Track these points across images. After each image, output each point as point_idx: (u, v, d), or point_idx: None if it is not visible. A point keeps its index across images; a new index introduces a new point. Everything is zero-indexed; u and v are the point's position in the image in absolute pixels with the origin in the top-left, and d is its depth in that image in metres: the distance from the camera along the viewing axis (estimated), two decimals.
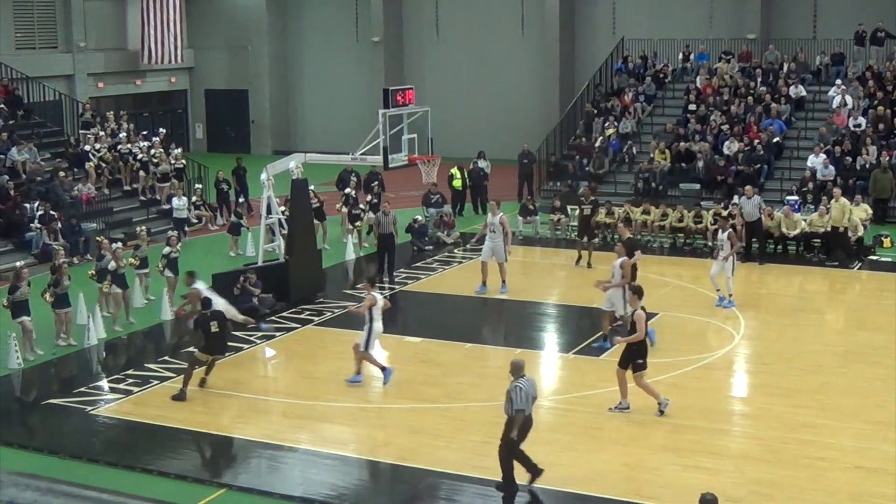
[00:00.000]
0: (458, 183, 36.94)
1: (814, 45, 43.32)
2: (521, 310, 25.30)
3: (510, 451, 14.80)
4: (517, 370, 14.97)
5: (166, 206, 34.66)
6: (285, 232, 26.80)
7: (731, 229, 25.46)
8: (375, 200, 32.41)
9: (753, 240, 29.68)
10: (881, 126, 37.64)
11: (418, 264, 29.31)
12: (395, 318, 23.35)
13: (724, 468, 15.81)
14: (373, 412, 18.44)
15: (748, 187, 30.46)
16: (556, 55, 47.71)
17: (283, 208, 27.74)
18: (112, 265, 23.51)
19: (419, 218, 32.06)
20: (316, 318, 24.03)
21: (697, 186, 36.31)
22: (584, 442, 16.94)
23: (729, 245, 24.87)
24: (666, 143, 38.73)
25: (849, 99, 38.96)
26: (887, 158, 35.85)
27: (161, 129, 40.41)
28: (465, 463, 15.70)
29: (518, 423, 14.69)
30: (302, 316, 24.27)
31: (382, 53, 50.48)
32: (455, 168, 36.92)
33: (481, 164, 38.04)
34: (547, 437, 17.12)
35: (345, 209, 31.95)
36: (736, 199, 31.55)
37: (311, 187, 31.44)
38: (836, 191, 31.35)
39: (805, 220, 30.33)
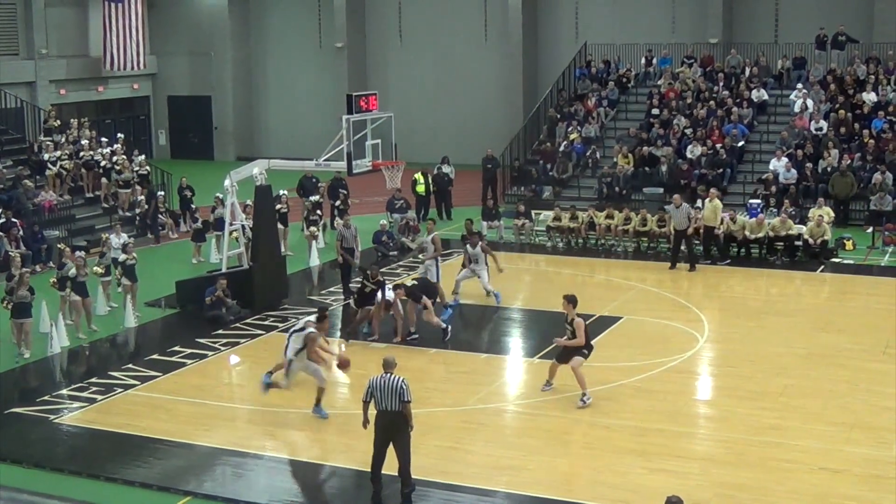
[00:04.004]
0: (421, 188, 36.91)
1: (775, 50, 43.62)
2: (486, 314, 25.29)
3: (374, 446, 14.97)
4: (388, 366, 15.03)
5: (128, 214, 34.47)
6: (248, 239, 26.70)
7: (481, 242, 26.03)
8: (342, 206, 32.35)
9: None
10: (842, 129, 37.92)
11: (382, 270, 29.23)
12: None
13: (690, 471, 15.85)
14: (338, 418, 18.36)
15: (676, 196, 30.51)
16: (519, 60, 47.81)
17: (244, 216, 27.58)
18: (73, 273, 23.31)
19: (384, 223, 32.06)
20: (280, 325, 23.92)
21: (661, 190, 36.41)
22: (550, 446, 16.93)
23: (484, 257, 25.40)
24: (629, 147, 38.87)
25: (810, 102, 39.23)
26: (848, 161, 36.11)
27: (119, 135, 40.10)
28: (431, 468, 15.66)
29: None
30: (266, 322, 24.17)
31: (346, 59, 50.41)
32: (419, 173, 36.90)
33: (445, 169, 38.03)
34: (513, 441, 17.14)
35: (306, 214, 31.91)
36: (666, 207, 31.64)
37: (284, 192, 31.40)
38: (713, 191, 31.63)
39: (768, 224, 30.52)
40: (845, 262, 30.17)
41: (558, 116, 42.31)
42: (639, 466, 15.99)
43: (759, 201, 33.57)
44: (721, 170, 37.06)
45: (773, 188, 35.16)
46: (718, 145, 38.04)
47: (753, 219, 31.02)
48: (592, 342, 18.93)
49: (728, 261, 30.02)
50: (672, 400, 19.06)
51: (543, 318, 24.59)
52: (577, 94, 43.88)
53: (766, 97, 40.91)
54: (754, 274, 29.01)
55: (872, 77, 40.30)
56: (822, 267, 29.44)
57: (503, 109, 47.87)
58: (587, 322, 18.97)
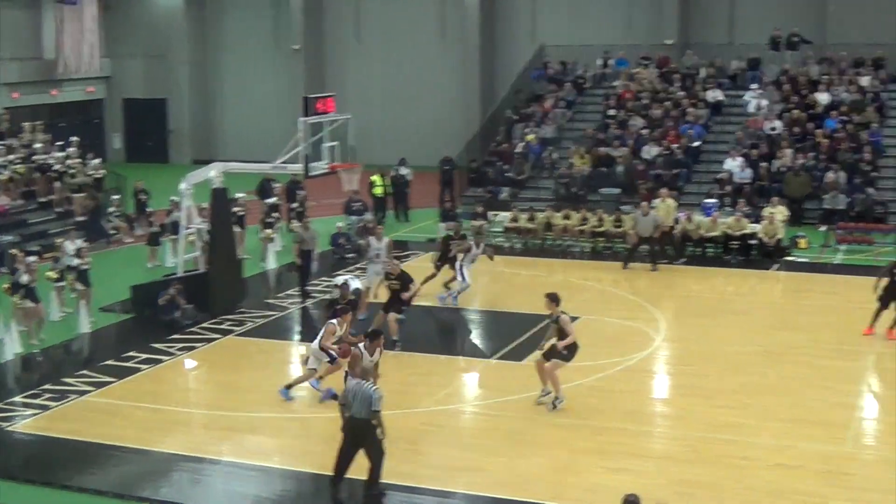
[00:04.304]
0: (378, 190, 36.86)
1: (730, 51, 43.87)
2: (444, 315, 25.28)
3: (340, 450, 15.02)
4: (364, 374, 15.20)
5: (81, 218, 34.17)
6: (204, 243, 26.52)
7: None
8: (300, 209, 32.21)
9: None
10: (796, 129, 38.22)
11: (340, 272, 29.14)
12: (317, 327, 23.17)
13: (648, 469, 15.89)
14: (296, 422, 18.28)
15: (644, 204, 30.70)
16: (476, 62, 47.90)
17: (200, 219, 27.38)
18: (25, 278, 23.06)
19: (341, 225, 31.99)
20: (237, 329, 23.80)
21: (617, 191, 36.54)
22: (508, 446, 16.91)
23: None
24: (586, 148, 38.98)
25: (764, 103, 39.51)
26: (802, 161, 36.40)
27: (73, 139, 39.69)
28: (390, 471, 15.58)
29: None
30: (223, 326, 24.02)
31: (302, 61, 50.32)
32: (376, 175, 36.83)
33: (403, 171, 37.99)
34: (471, 442, 17.13)
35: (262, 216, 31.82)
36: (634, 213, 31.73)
37: (242, 195, 31.24)
38: (663, 191, 31.77)
39: (723, 223, 30.73)
40: (799, 260, 30.42)
41: (515, 118, 42.36)
42: (597, 466, 16.02)
43: (714, 201, 33.79)
44: (677, 170, 37.25)
45: (728, 188, 35.40)
46: (674, 145, 38.24)
47: (708, 218, 31.23)
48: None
49: (684, 260, 30.20)
50: (629, 399, 19.12)
51: (502, 319, 24.63)
52: (533, 95, 43.95)
53: (721, 98, 41.16)
54: (710, 273, 29.18)
55: (825, 77, 40.64)
56: (777, 265, 29.66)
57: (460, 111, 47.92)
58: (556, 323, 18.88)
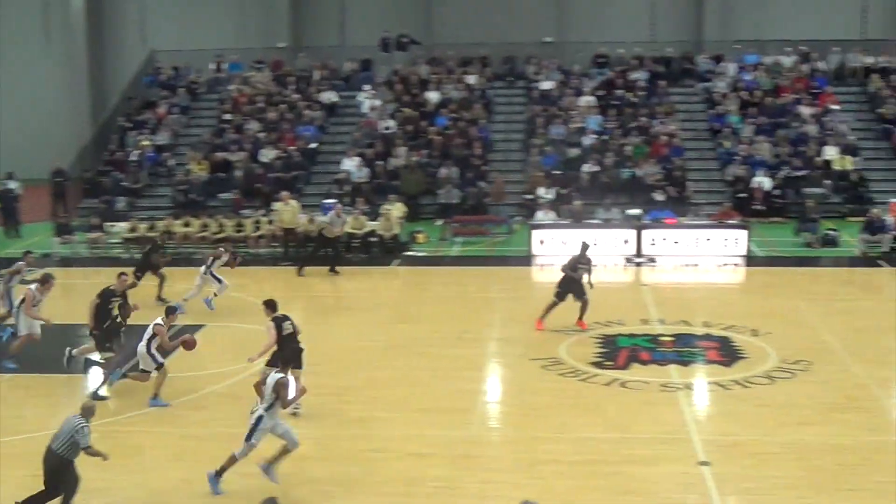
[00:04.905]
0: None
1: (343, 52, 44.58)
2: (61, 334, 24.16)
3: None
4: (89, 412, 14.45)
5: None
6: None
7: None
8: None
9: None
10: (409, 127, 39.32)
11: None
12: None
13: (284, 470, 15.81)
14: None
15: (338, 206, 30.85)
16: (84, 68, 46.37)
17: None
18: None
19: None
20: None
21: (237, 195, 36.32)
22: (139, 462, 16.39)
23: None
24: (203, 153, 38.52)
25: (378, 103, 40.41)
26: (417, 158, 37.48)
27: None
28: (16, 497, 14.77)
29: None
30: None
31: None
32: None
33: (11, 185, 36.19)
34: (97, 461, 16.45)
35: None
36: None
37: None
38: (284, 193, 32.36)
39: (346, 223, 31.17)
40: (418, 254, 31.30)
41: (129, 125, 41.28)
42: (232, 472, 15.76)
43: (333, 201, 34.18)
44: (296, 172, 37.47)
45: (347, 187, 35.96)
46: (292, 148, 38.44)
47: (327, 217, 31.51)
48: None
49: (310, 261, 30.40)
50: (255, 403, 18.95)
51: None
52: (146, 101, 42.98)
53: (335, 99, 41.79)
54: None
55: (434, 76, 42.05)
56: (397, 261, 30.40)
57: (70, 120, 46.13)
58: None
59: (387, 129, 39.51)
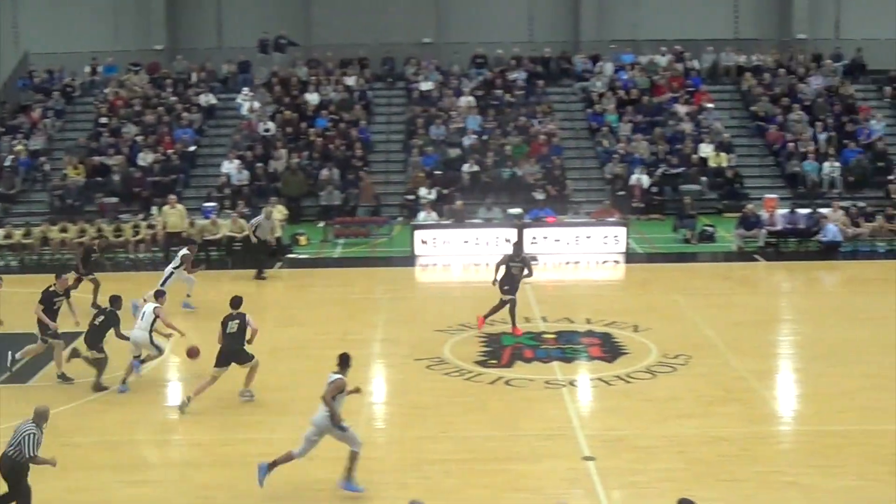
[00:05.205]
0: None
1: (220, 54, 44.18)
2: None
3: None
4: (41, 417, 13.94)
5: None
6: None
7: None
8: None
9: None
10: (289, 129, 39.13)
11: None
12: None
13: (170, 478, 15.67)
14: None
15: (267, 208, 30.40)
16: None
17: None
18: None
19: None
20: None
21: (115, 200, 35.79)
22: None
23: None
24: (79, 157, 37.83)
25: (257, 105, 40.13)
26: (297, 160, 37.31)
27: None
28: None
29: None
30: None
31: None
32: None
33: None
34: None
35: None
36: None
37: None
38: (172, 197, 32.10)
39: (224, 224, 30.93)
40: (301, 257, 31.18)
41: (1, 130, 40.34)
42: (115, 481, 15.57)
43: (213, 204, 33.89)
44: (174, 175, 37.02)
45: (227, 190, 35.65)
46: (170, 151, 37.98)
47: (208, 220, 31.30)
48: None
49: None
50: (142, 410, 18.73)
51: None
52: (20, 105, 42.06)
53: (214, 101, 41.40)
54: (214, 276, 29.07)
55: (314, 78, 41.90)
56: (280, 263, 30.20)
57: None
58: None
59: (266, 131, 39.26)
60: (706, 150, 38.77)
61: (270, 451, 16.42)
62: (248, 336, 18.73)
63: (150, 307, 19.95)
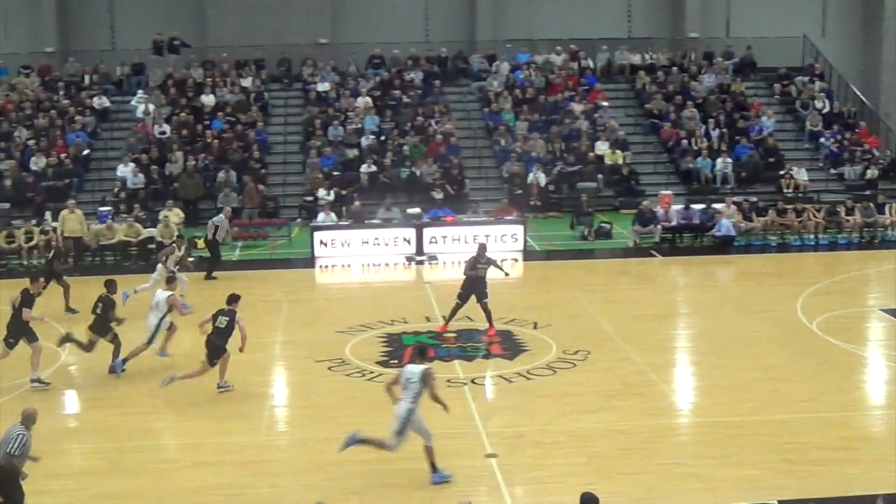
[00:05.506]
0: None
1: (114, 56, 43.57)
2: None
3: None
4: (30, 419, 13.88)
5: None
6: None
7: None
8: None
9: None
10: (185, 132, 38.75)
11: None
12: None
13: (68, 487, 15.41)
14: None
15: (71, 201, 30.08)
16: None
17: None
18: None
19: None
20: None
21: (7, 205, 35.12)
22: None
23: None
24: None
25: (152, 107, 39.66)
26: (194, 162, 36.96)
27: None
28: None
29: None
30: None
31: None
32: None
33: None
34: None
35: None
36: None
37: None
38: (70, 202, 31.68)
39: (120, 229, 30.56)
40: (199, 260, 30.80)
41: None
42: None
43: (108, 208, 33.41)
44: (68, 179, 36.44)
45: (123, 194, 35.20)
46: (63, 155, 37.37)
47: (103, 225, 30.88)
48: None
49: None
50: (41, 419, 18.34)
51: None
52: None
53: (107, 104, 40.83)
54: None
55: (209, 80, 41.54)
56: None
57: None
58: None
59: (162, 133, 38.83)
60: (602, 147, 39.26)
61: (169, 458, 16.32)
62: (240, 343, 18.85)
63: (163, 295, 20.57)
